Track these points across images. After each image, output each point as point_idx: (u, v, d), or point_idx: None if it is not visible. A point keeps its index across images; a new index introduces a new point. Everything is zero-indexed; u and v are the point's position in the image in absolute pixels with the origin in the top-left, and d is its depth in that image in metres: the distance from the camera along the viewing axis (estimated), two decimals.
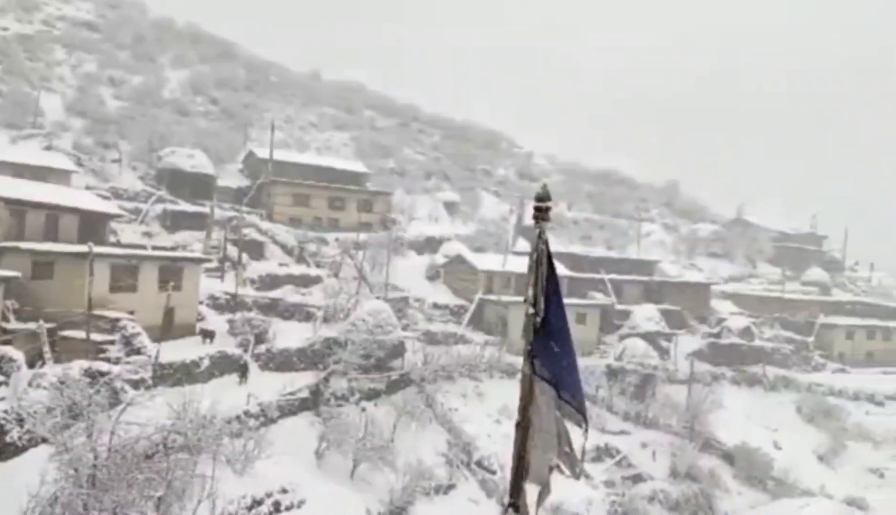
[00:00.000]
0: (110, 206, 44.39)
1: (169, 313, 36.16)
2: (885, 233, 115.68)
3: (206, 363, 34.04)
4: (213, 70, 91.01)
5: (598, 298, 59.22)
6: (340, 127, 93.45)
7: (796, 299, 75.76)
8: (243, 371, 35.18)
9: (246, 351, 36.67)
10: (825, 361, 65.89)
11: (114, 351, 31.50)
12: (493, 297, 53.71)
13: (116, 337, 32.11)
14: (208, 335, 36.74)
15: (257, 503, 27.12)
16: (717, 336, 60.62)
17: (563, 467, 4.95)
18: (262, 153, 65.18)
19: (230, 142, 72.80)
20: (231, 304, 42.89)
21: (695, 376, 50.70)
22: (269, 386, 34.68)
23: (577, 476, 4.98)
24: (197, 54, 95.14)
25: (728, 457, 44.67)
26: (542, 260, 5.11)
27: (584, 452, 5.05)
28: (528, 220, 5.36)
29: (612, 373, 48.70)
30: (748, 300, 73.71)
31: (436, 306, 54.55)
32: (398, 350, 41.40)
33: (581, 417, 4.99)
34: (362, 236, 57.37)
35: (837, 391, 58.38)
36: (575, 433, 5.02)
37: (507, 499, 4.93)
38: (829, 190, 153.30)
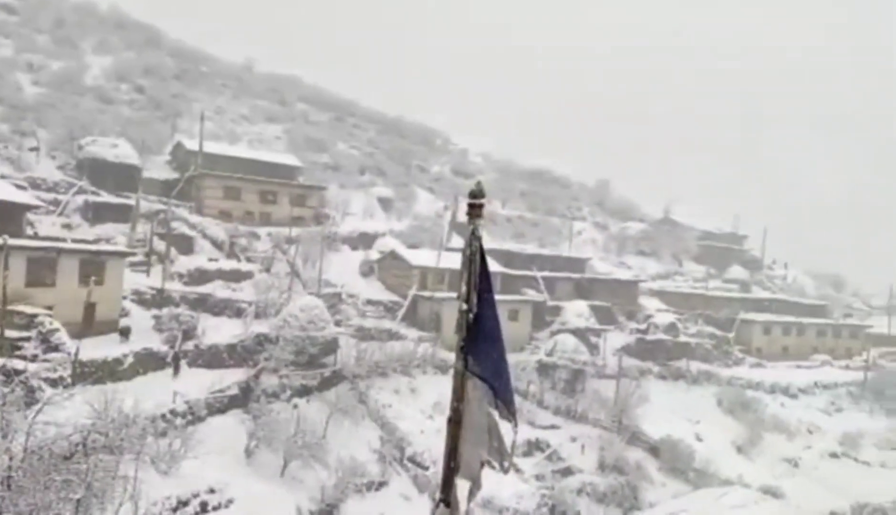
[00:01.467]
0: (27, 197, 42.33)
1: (90, 308, 34.82)
2: (799, 233, 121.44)
3: (129, 360, 32.98)
4: (138, 57, 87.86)
5: (531, 295, 60.06)
6: (273, 120, 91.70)
7: (719, 296, 78.68)
8: (176, 363, 34.31)
9: (173, 347, 35.66)
10: (744, 356, 68.63)
11: (30, 348, 30.18)
12: (427, 293, 53.81)
13: (33, 333, 30.76)
14: (123, 332, 35.48)
15: (183, 503, 26.47)
16: (645, 332, 62.32)
17: (493, 462, 4.99)
18: (192, 144, 63.37)
19: (157, 132, 70.45)
20: (157, 300, 41.61)
21: (623, 371, 52.04)
22: (197, 384, 33.89)
23: (506, 471, 5.03)
24: (121, 40, 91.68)
25: (653, 450, 46.00)
26: (476, 257, 5.13)
27: (513, 447, 5.10)
28: (463, 217, 5.40)
29: (544, 369, 49.50)
30: (674, 297, 76.08)
31: (370, 302, 54.29)
32: (331, 346, 41.03)
33: (510, 413, 5.05)
34: (295, 231, 56.54)
35: (755, 384, 60.93)
36: (505, 428, 5.07)
37: (438, 495, 4.94)
38: (750, 191, 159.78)
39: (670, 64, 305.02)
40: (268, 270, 50.78)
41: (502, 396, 5.02)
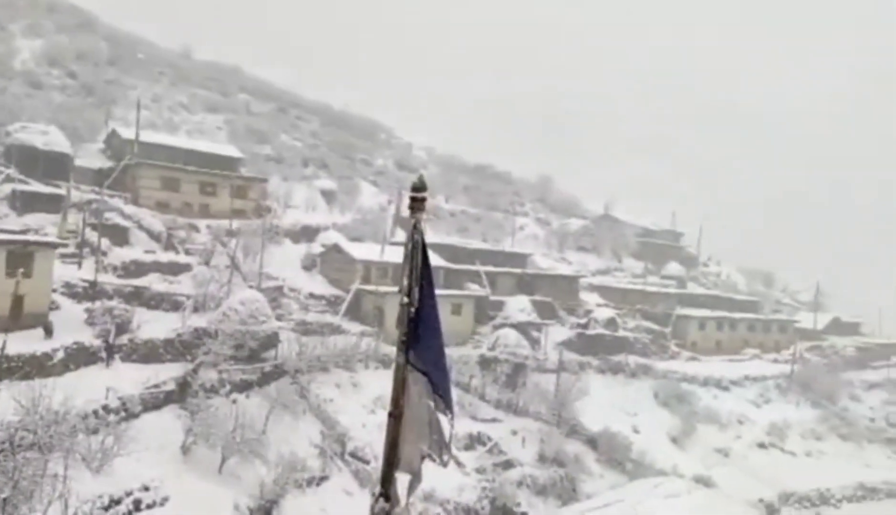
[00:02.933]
0: None
1: (17, 301, 33.49)
2: (732, 231, 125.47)
3: (60, 355, 31.83)
4: (71, 41, 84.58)
5: (474, 289, 60.42)
6: (213, 109, 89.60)
7: (656, 292, 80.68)
8: (108, 355, 33.33)
9: (106, 341, 34.57)
10: (680, 350, 70.61)
11: None
12: (370, 288, 53.55)
13: None
14: (46, 330, 34.13)
15: (115, 502, 25.71)
16: (585, 326, 63.36)
17: (433, 455, 5.01)
18: (127, 133, 61.42)
19: (90, 119, 68.02)
20: (90, 292, 40.25)
21: (563, 365, 52.88)
22: (131, 379, 32.96)
23: (445, 464, 5.06)
24: (53, 24, 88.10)
25: (592, 442, 46.90)
26: (417, 251, 5.13)
27: (451, 440, 5.14)
28: (407, 211, 5.39)
29: (486, 363, 49.89)
30: (613, 292, 77.63)
31: (312, 296, 53.72)
32: (272, 340, 40.48)
33: (447, 406, 5.08)
34: (235, 223, 55.46)
35: (690, 377, 62.72)
36: (444, 421, 5.10)
37: (377, 489, 4.93)
38: (687, 190, 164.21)
39: (610, 65, 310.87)
40: (207, 263, 49.67)
41: (440, 389, 5.04)
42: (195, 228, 55.66)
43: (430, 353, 5.03)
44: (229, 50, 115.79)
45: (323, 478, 34.39)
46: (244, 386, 37.43)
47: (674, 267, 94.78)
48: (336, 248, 58.08)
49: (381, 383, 40.39)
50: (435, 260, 59.15)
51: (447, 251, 62.92)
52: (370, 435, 36.94)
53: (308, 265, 58.57)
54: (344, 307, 52.99)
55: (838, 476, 53.31)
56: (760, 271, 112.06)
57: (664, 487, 37.12)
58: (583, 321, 64.56)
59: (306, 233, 63.50)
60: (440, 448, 5.02)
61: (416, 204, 5.12)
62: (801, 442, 58.91)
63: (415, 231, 5.05)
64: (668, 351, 68.74)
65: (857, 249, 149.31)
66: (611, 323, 64.13)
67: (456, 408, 32.94)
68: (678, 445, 52.28)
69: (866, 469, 56.95)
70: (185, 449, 31.06)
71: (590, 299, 72.69)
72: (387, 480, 4.95)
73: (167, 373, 34.67)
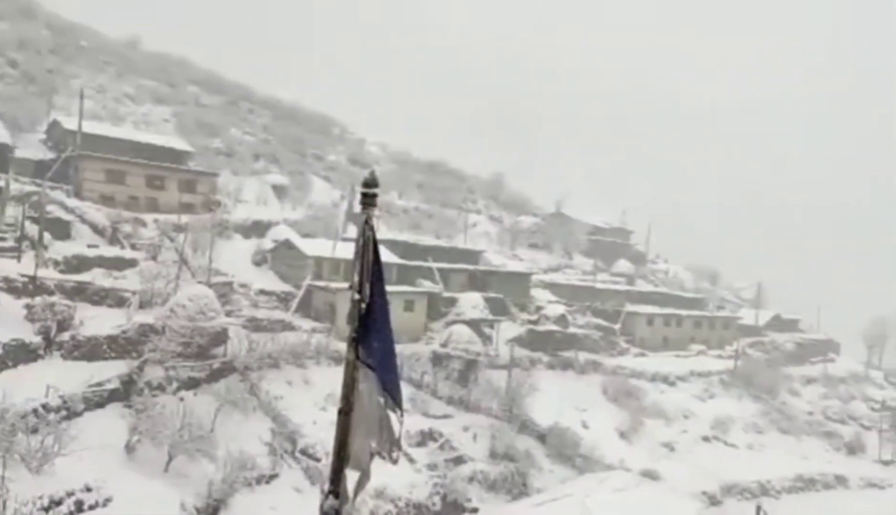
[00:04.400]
0: None
1: None
2: (679, 229, 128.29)
3: None
4: (11, 28, 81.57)
5: (426, 286, 60.45)
6: (161, 101, 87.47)
7: (606, 289, 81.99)
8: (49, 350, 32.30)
9: (47, 338, 33.52)
10: (629, 346, 71.90)
11: None
12: (321, 284, 53.11)
13: None
14: None
15: (56, 503, 24.98)
16: (536, 323, 64.00)
17: (383, 452, 5.02)
18: (70, 124, 59.51)
19: (31, 109, 65.71)
20: (30, 288, 38.90)
21: (514, 361, 53.33)
22: (73, 377, 32.02)
23: (394, 462, 5.07)
24: None
25: (542, 437, 47.44)
26: (369, 247, 5.12)
27: (400, 437, 5.15)
28: (359, 207, 5.37)
29: (438, 359, 50.00)
30: (564, 289, 78.60)
31: (262, 292, 53.01)
32: (221, 337, 39.83)
33: (396, 403, 5.09)
34: (184, 218, 54.31)
35: (638, 373, 63.96)
36: (395, 419, 5.11)
37: (327, 486, 4.91)
38: (636, 189, 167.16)
39: (566, 65, 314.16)
40: (154, 258, 48.54)
41: (390, 386, 5.05)
42: (142, 223, 54.30)
43: (380, 350, 5.03)
44: (176, 40, 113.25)
45: (273, 476, 34.02)
46: (192, 384, 36.76)
47: (623, 265, 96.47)
48: (287, 244, 57.41)
49: (332, 380, 40.02)
50: (388, 256, 59.03)
51: (400, 247, 62.82)
52: (321, 433, 36.65)
53: (259, 261, 57.77)
54: (295, 303, 52.46)
55: (778, 469, 55.09)
56: (706, 269, 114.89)
57: (612, 481, 37.84)
58: (534, 317, 65.18)
59: (257, 229, 62.59)
60: (390, 445, 5.02)
61: (368, 200, 5.11)
62: (744, 436, 60.67)
63: (366, 227, 5.04)
64: (617, 348, 69.91)
65: (797, 248, 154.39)
66: (561, 319, 64.87)
67: (408, 405, 32.85)
68: (626, 440, 53.26)
69: (804, 461, 59.00)
70: (129, 449, 30.36)
71: (541, 296, 73.42)
72: (336, 477, 4.93)
73: (111, 371, 33.81)
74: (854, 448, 64.80)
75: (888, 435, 67.34)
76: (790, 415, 67.74)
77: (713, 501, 47.58)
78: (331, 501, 4.86)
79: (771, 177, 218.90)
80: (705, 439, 57.94)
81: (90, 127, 59.69)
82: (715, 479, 50.15)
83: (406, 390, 46.01)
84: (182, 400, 34.52)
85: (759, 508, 31.31)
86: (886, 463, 64.00)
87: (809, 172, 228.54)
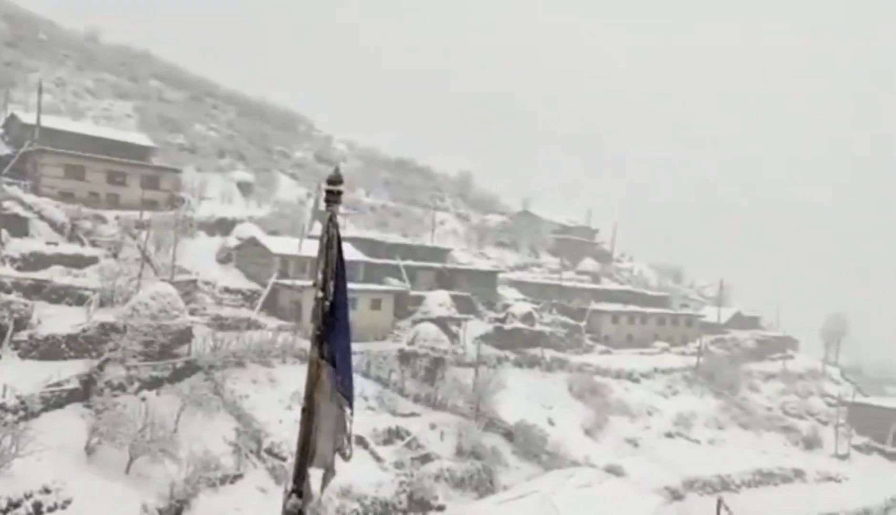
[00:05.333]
0: None
1: None
2: (644, 228, 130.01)
3: None
4: None
5: (394, 284, 60.32)
6: (123, 96, 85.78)
7: (572, 287, 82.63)
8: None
9: (2, 337, 32.71)
10: (594, 344, 72.58)
11: None
12: (287, 282, 52.67)
13: None
14: None
15: (14, 505, 24.46)
16: (503, 321, 64.22)
17: (339, 450, 5.01)
18: (28, 118, 58.10)
19: None
20: None
21: (481, 359, 53.53)
22: (31, 377, 31.36)
23: (347, 459, 5.07)
24: None
25: (509, 435, 47.69)
26: (333, 244, 5.10)
27: (351, 435, 5.16)
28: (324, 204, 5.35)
29: (405, 357, 49.96)
30: (531, 287, 79.04)
31: (227, 290, 52.39)
32: (184, 335, 39.29)
33: (349, 402, 5.09)
34: (146, 215, 53.39)
35: (603, 370, 64.62)
36: (348, 416, 5.11)
37: (290, 485, 4.89)
38: (601, 188, 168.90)
39: (536, 65, 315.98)
40: (115, 256, 47.66)
41: (346, 384, 5.05)
42: (102, 219, 53.23)
43: (340, 348, 5.03)
44: (138, 34, 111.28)
45: (237, 476, 33.69)
46: (154, 383, 36.22)
47: (589, 263, 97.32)
48: (253, 242, 56.81)
49: (298, 378, 39.57)
50: (355, 254, 58.74)
51: (367, 245, 62.56)
52: (287, 432, 36.35)
53: (223, 258, 57.05)
54: (261, 301, 51.94)
55: (738, 463, 56.17)
56: (670, 267, 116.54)
57: (577, 477, 38.13)
58: (501, 315, 65.43)
59: (222, 226, 61.78)
60: (343, 442, 5.02)
61: (332, 197, 5.09)
62: (705, 431, 61.71)
63: (331, 224, 5.02)
64: (582, 345, 70.53)
65: (758, 248, 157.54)
66: (528, 317, 65.22)
67: (375, 403, 32.88)
68: (591, 436, 53.79)
69: (763, 455, 60.24)
70: (89, 450, 29.81)
71: (508, 294, 73.76)
72: (300, 476, 4.91)
73: (70, 370, 33.16)
74: (811, 443, 66.34)
75: (844, 430, 69.10)
76: (750, 411, 69.08)
77: (675, 496, 48.32)
78: (294, 500, 4.84)
79: (733, 178, 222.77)
80: (668, 435, 58.80)
81: (49, 121, 58.38)
82: (677, 474, 50.95)
83: (373, 388, 45.95)
84: (144, 399, 34.00)
85: (719, 502, 31.88)
86: (842, 458, 65.65)
87: (770, 174, 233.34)
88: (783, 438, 66.46)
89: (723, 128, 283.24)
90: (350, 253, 58.17)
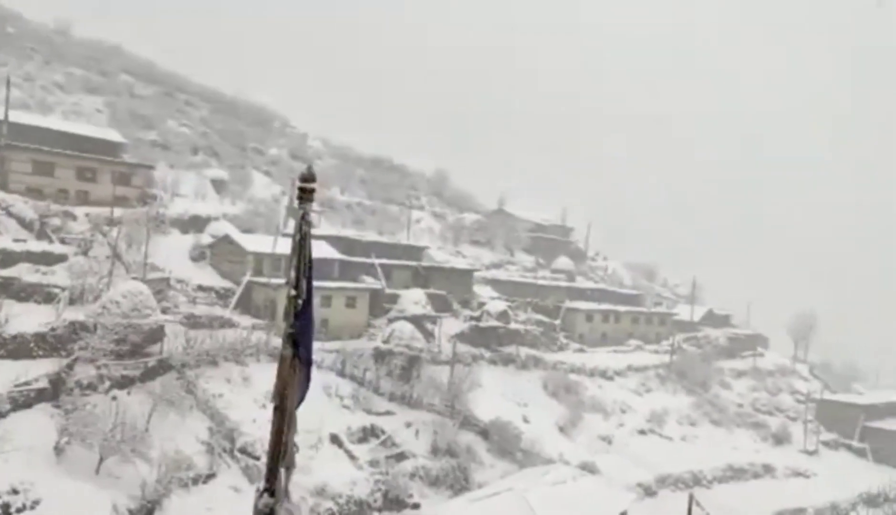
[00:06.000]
0: None
1: None
2: (618, 227, 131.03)
3: None
4: None
5: (369, 282, 60.15)
6: (93, 90, 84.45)
7: (547, 285, 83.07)
8: None
9: None
10: (568, 342, 73.03)
11: None
12: (262, 280, 52.29)
13: None
14: None
15: None
16: (478, 319, 64.35)
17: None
18: None
19: None
20: None
21: (457, 357, 53.58)
22: None
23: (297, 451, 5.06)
24: None
25: (484, 432, 47.83)
26: (306, 242, 5.08)
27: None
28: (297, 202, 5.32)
29: (380, 355, 49.85)
30: (506, 285, 79.31)
31: (201, 288, 51.88)
32: (157, 334, 38.80)
33: (301, 399, 5.09)
34: (118, 211, 52.61)
35: (577, 368, 65.05)
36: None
37: (262, 484, 4.85)
38: (576, 187, 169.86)
39: (508, 65, 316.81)
40: (85, 253, 46.90)
41: (307, 382, 5.04)
42: (72, 216, 52.39)
43: (308, 346, 5.02)
44: (111, 27, 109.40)
45: (210, 476, 33.38)
46: (125, 383, 35.73)
47: (563, 262, 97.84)
48: (227, 239, 56.28)
49: (273, 377, 39.22)
50: (330, 252, 58.49)
51: (342, 243, 62.31)
52: (261, 431, 36.10)
53: (197, 256, 56.45)
54: (235, 299, 51.50)
55: (710, 459, 56.95)
56: (644, 266, 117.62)
57: (551, 475, 38.40)
58: (476, 313, 65.55)
59: (195, 223, 61.11)
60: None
61: (305, 194, 5.06)
62: (678, 428, 62.45)
63: (303, 222, 4.99)
64: (557, 343, 70.90)
65: (730, 248, 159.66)
66: (503, 315, 65.42)
67: (350, 402, 32.76)
68: (565, 434, 54.13)
69: (734, 451, 61.13)
70: (58, 450, 29.34)
71: (483, 292, 73.94)
72: (272, 475, 4.88)
73: (39, 370, 32.59)
74: (781, 439, 67.46)
75: (812, 427, 70.35)
76: (721, 408, 70.03)
77: (648, 492, 48.87)
78: (265, 499, 4.81)
79: (704, 182, 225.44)
80: (641, 432, 59.37)
81: (17, 116, 57.24)
82: (650, 471, 51.51)
83: (348, 387, 45.83)
84: (115, 399, 33.53)
85: (691, 497, 32.28)
86: (811, 453, 66.85)
87: (742, 175, 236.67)
88: (753, 434, 67.47)
89: (697, 130, 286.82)
90: (326, 251, 57.90)
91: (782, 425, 69.98)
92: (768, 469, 59.88)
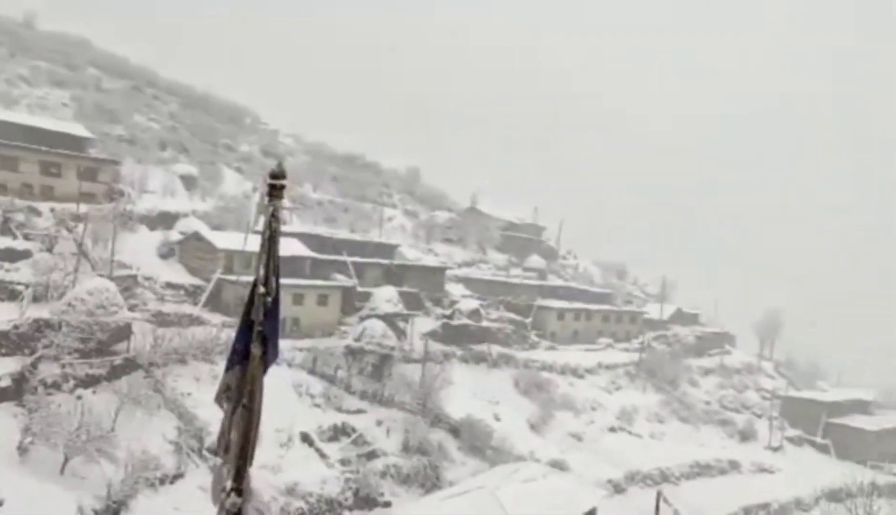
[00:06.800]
0: None
1: None
2: (589, 227, 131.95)
3: None
4: None
5: (341, 280, 59.86)
6: (59, 84, 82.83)
7: (518, 283, 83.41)
8: None
9: None
10: (540, 340, 73.40)
11: None
12: (232, 277, 51.74)
13: None
14: None
15: None
16: (450, 317, 64.41)
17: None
18: None
19: None
20: None
21: (428, 355, 53.56)
22: None
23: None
24: None
25: (455, 430, 47.89)
26: (276, 239, 5.02)
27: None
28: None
29: (352, 354, 49.65)
30: (478, 284, 79.47)
31: (169, 285, 51.20)
32: (123, 332, 38.23)
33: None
34: (83, 207, 51.68)
35: (548, 366, 65.42)
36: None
37: (229, 484, 4.78)
38: (548, 186, 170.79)
39: (482, 65, 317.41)
40: (50, 249, 46.02)
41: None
42: (36, 212, 51.35)
43: (276, 345, 4.96)
44: (78, 20, 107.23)
45: (178, 476, 32.98)
46: (91, 381, 35.15)
47: (535, 260, 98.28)
48: (196, 236, 55.60)
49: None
50: (302, 249, 58.04)
51: (314, 241, 61.89)
52: None
53: (165, 253, 55.69)
54: (204, 297, 50.91)
55: (678, 456, 57.65)
56: (614, 265, 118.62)
57: (522, 472, 38.56)
58: (448, 312, 65.60)
59: (164, 220, 60.27)
60: None
61: (275, 191, 4.98)
62: (647, 425, 63.15)
63: (273, 219, 4.93)
64: (528, 341, 71.21)
65: (698, 249, 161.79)
66: (475, 313, 65.56)
67: (321, 400, 32.55)
68: (536, 431, 54.42)
69: (702, 448, 61.98)
70: (21, 450, 28.78)
71: (455, 290, 74.00)
72: (239, 474, 4.82)
73: (2, 368, 31.94)
74: (747, 436, 68.59)
75: (777, 423, 71.63)
76: (689, 405, 70.97)
77: (618, 489, 49.32)
78: (233, 499, 4.74)
79: (675, 181, 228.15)
80: (611, 429, 59.92)
81: None
82: (619, 468, 52.00)
83: (319, 385, 45.58)
84: (80, 398, 32.97)
85: (659, 494, 32.66)
86: (776, 449, 68.07)
87: (714, 176, 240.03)
88: (720, 431, 68.50)
89: (672, 129, 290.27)
90: (297, 248, 57.46)
91: (748, 422, 71.13)
92: (734, 466, 60.81)
